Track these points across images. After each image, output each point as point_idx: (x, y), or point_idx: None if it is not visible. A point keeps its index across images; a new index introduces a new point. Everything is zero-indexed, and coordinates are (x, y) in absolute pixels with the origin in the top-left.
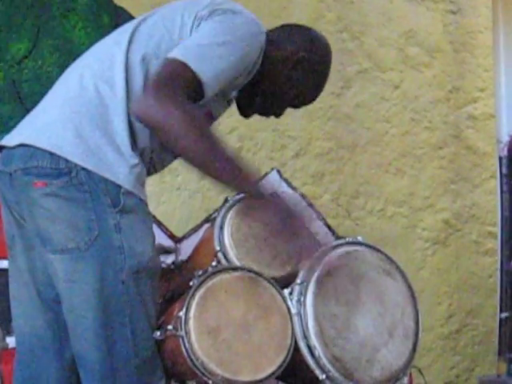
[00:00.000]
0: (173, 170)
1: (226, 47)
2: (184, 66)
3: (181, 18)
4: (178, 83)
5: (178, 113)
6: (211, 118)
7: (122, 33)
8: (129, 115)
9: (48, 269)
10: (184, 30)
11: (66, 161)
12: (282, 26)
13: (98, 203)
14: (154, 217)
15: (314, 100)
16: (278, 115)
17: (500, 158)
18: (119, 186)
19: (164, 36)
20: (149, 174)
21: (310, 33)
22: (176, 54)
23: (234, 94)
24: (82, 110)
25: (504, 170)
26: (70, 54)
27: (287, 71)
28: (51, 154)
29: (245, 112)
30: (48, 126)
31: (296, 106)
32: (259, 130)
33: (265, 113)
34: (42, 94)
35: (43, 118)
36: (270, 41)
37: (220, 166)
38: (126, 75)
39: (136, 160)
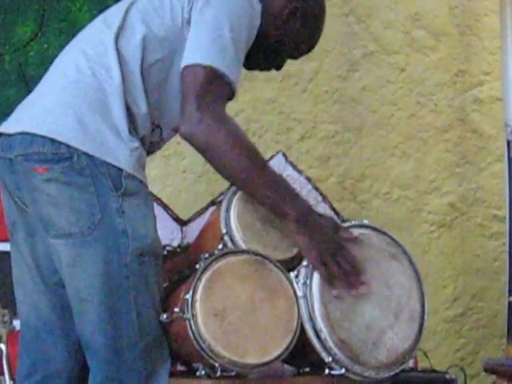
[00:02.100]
0: (178, 153)
1: (235, 32)
2: (211, 69)
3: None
4: (216, 92)
5: (224, 136)
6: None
7: (114, 15)
8: (126, 99)
9: (51, 254)
10: (174, 12)
11: (67, 146)
12: None
13: (99, 187)
14: (160, 199)
15: (311, 49)
16: (278, 68)
17: (508, 142)
18: (120, 170)
19: (155, 20)
20: (151, 153)
21: None
22: (195, 57)
23: None
24: (80, 94)
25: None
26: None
27: (282, 23)
28: (52, 139)
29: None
30: (47, 111)
31: (295, 57)
32: (265, 112)
33: (264, 67)
34: None
35: (41, 103)
36: None
37: (269, 187)
38: (120, 61)
39: (136, 143)
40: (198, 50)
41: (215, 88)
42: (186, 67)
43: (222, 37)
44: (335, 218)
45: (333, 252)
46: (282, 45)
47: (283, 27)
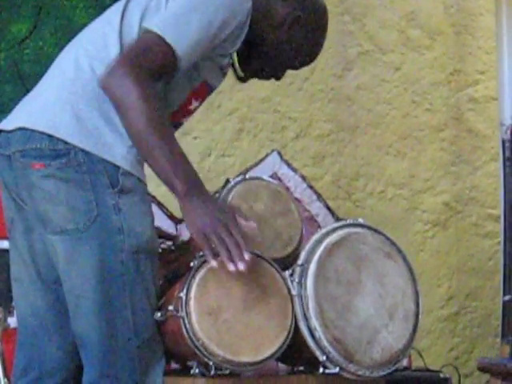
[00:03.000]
0: None
1: (203, 15)
2: (158, 38)
3: None
4: (149, 58)
5: (136, 93)
6: (209, 88)
7: (114, 12)
8: None
9: (48, 250)
10: (160, 2)
11: (64, 142)
12: None
13: (96, 184)
14: (154, 198)
15: (313, 60)
16: (278, 78)
17: (503, 141)
18: (117, 167)
19: (153, 14)
20: None
21: None
22: (153, 25)
23: (227, 61)
24: (78, 91)
25: (507, 153)
26: (71, 35)
27: (284, 33)
28: (49, 135)
29: (242, 77)
30: (45, 108)
31: (296, 67)
32: (260, 111)
33: (265, 76)
34: (43, 75)
35: (40, 100)
36: (262, 4)
37: (164, 156)
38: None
39: None
40: (158, 20)
41: (152, 55)
42: (143, 32)
43: (186, 15)
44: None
45: (215, 228)
46: (283, 54)
47: (285, 36)
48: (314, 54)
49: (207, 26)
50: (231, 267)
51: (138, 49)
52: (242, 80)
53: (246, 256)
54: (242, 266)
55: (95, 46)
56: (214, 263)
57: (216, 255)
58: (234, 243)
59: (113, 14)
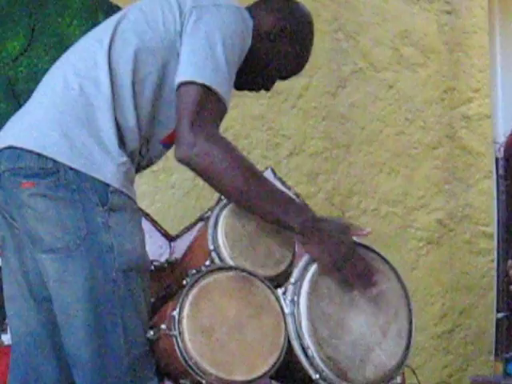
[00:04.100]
0: (167, 169)
1: (227, 49)
2: (205, 87)
3: (161, 11)
4: (209, 112)
5: (218, 156)
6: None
7: (104, 30)
8: (115, 113)
9: (39, 269)
10: (167, 24)
11: (54, 161)
12: (260, 0)
13: (86, 202)
14: (148, 215)
15: (300, 69)
16: (267, 89)
17: (496, 159)
18: (107, 185)
19: (147, 32)
20: (143, 168)
21: (288, 3)
22: (190, 75)
23: None
24: (67, 109)
25: (500, 171)
26: (65, 52)
27: (270, 43)
28: (38, 154)
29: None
30: (34, 126)
31: (284, 78)
32: (254, 128)
33: (254, 88)
34: None
35: (29, 118)
36: (250, 16)
37: (269, 202)
38: (111, 74)
39: (123, 158)
40: (192, 67)
41: (209, 107)
42: (181, 84)
43: (215, 54)
44: (341, 218)
45: (344, 255)
46: (271, 64)
47: (272, 46)
48: (301, 63)
49: (230, 58)
50: (368, 293)
51: (197, 105)
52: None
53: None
54: (373, 291)
55: (85, 65)
56: (354, 293)
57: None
58: (365, 267)
59: (103, 31)
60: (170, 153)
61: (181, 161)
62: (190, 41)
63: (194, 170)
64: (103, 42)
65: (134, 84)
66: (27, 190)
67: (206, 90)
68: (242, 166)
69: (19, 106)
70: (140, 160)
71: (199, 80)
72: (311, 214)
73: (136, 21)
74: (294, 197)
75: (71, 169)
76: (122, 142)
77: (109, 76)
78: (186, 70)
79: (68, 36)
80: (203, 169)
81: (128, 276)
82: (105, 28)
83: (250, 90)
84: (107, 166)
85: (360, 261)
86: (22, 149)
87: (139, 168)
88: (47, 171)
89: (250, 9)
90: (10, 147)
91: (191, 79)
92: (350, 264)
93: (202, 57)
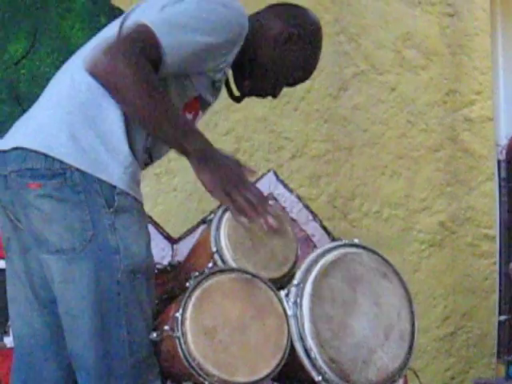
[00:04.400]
0: (169, 172)
1: (199, 29)
2: (147, 28)
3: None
4: (138, 42)
5: (126, 70)
6: (202, 102)
7: (110, 29)
8: (123, 115)
9: (44, 270)
10: None
11: (60, 162)
12: (269, 7)
13: (92, 204)
14: (150, 218)
15: (308, 77)
16: (274, 96)
17: (498, 162)
18: (113, 187)
19: None
20: (145, 165)
21: (297, 9)
22: (145, 18)
23: (220, 76)
24: (74, 110)
25: (502, 174)
26: (67, 55)
27: (278, 50)
28: (45, 155)
29: (236, 96)
30: (41, 127)
31: (291, 85)
32: (256, 131)
33: (261, 94)
34: (39, 95)
35: (36, 120)
36: (257, 22)
37: (169, 123)
38: None
39: (130, 159)
40: (151, 16)
41: (140, 40)
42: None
43: (178, 20)
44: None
45: (236, 184)
46: (278, 70)
47: (279, 52)
48: (309, 70)
49: (201, 36)
50: (261, 222)
51: (130, 34)
52: (237, 100)
53: (270, 209)
54: (271, 220)
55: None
56: (243, 219)
57: (241, 211)
58: (258, 195)
59: (109, 30)
60: (173, 155)
61: (87, 68)
62: (175, 6)
63: (99, 78)
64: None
65: None
66: (34, 190)
67: (148, 30)
68: (146, 84)
69: (21, 108)
70: (145, 158)
71: (147, 23)
72: (208, 142)
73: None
74: (194, 125)
75: (78, 170)
76: (129, 142)
77: None
78: (145, 15)
79: (71, 39)
80: (108, 79)
81: (133, 278)
82: (111, 28)
83: (257, 95)
84: (114, 168)
85: (253, 188)
86: (28, 150)
87: (147, 164)
88: (54, 172)
89: (259, 14)
90: (16, 148)
91: (142, 21)
92: (242, 190)
93: (166, 14)
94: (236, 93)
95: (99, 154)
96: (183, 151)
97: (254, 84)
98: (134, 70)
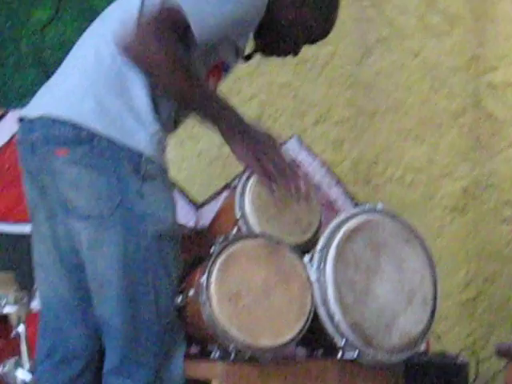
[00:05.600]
0: (193, 137)
1: (226, 2)
2: (177, 8)
3: None
4: (169, 25)
5: (159, 50)
6: (225, 66)
7: None
8: (149, 83)
9: (71, 236)
10: None
11: (88, 129)
12: None
13: (119, 170)
14: (175, 183)
15: (327, 34)
16: (295, 53)
17: None
18: (140, 153)
19: None
20: (170, 132)
21: None
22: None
23: (243, 42)
24: (100, 78)
25: None
26: (92, 21)
27: (296, 6)
28: (72, 122)
29: (247, 54)
30: (68, 95)
31: (311, 42)
32: (280, 96)
33: (281, 53)
34: None
35: (63, 87)
36: None
37: (202, 103)
38: None
39: (156, 126)
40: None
41: (171, 23)
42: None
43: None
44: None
45: (266, 151)
46: (297, 28)
47: (297, 10)
48: (328, 26)
49: (228, 8)
50: (289, 187)
51: (158, 16)
52: (247, 58)
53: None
54: (300, 184)
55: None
56: (274, 187)
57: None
58: (287, 161)
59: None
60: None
61: (120, 48)
62: None
63: (132, 58)
64: (132, 8)
65: None
66: (61, 157)
67: (179, 13)
68: (179, 69)
69: (46, 74)
70: (171, 125)
71: (179, 5)
72: (241, 117)
73: None
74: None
75: (105, 137)
76: (155, 110)
77: None
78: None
79: (95, 5)
80: (141, 59)
81: (160, 244)
82: None
83: (278, 55)
84: (140, 135)
85: (282, 154)
86: (56, 117)
87: (172, 131)
88: (81, 139)
89: None
90: (44, 115)
91: (176, 3)
92: (272, 156)
93: None
94: (255, 48)
95: (126, 122)
96: (218, 127)
97: (275, 42)
98: (168, 56)
